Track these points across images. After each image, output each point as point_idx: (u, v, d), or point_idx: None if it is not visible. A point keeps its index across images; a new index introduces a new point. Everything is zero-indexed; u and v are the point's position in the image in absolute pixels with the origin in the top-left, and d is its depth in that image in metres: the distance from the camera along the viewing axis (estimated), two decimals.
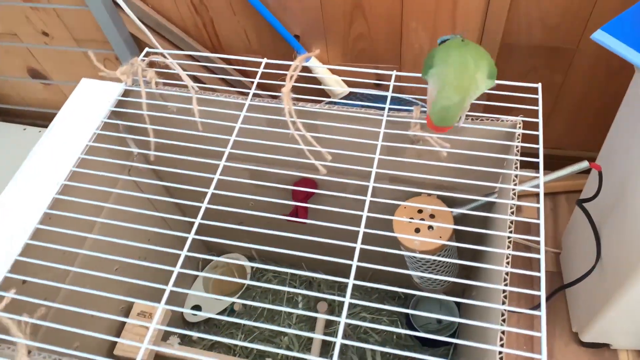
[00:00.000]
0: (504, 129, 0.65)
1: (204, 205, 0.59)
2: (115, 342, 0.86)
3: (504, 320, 0.47)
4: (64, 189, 0.65)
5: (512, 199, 0.55)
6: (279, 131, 0.65)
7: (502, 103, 0.64)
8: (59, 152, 0.69)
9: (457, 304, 1.10)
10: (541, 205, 0.53)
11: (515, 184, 0.56)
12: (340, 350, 1.11)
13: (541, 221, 0.52)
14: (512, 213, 0.53)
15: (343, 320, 0.49)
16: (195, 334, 0.52)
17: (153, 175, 0.92)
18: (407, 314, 1.11)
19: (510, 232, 0.53)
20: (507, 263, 0.50)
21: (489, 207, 0.76)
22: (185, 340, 1.16)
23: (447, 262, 0.81)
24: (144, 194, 0.87)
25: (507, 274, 0.49)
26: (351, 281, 0.52)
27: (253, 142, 0.65)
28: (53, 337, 0.64)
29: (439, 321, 1.11)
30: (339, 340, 0.48)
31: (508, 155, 0.62)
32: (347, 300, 0.51)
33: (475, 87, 0.59)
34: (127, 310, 0.91)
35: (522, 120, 0.64)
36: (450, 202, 0.76)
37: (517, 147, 0.62)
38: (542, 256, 0.49)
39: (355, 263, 0.53)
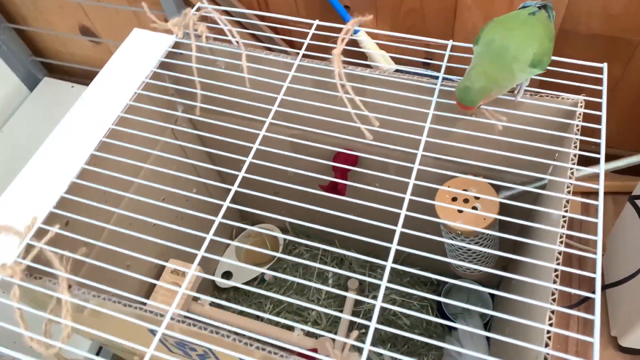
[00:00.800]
0: (564, 106, 0.61)
1: (241, 174, 0.58)
2: (149, 296, 0.88)
3: (551, 321, 0.44)
4: (103, 145, 0.66)
5: (570, 178, 0.52)
6: (327, 93, 0.63)
7: (560, 80, 0.61)
8: (106, 100, 0.70)
9: (492, 295, 1.07)
10: (601, 187, 0.50)
11: (573, 164, 0.53)
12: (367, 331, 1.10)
13: (600, 203, 0.49)
14: (569, 192, 0.50)
15: (379, 304, 0.47)
16: (224, 303, 0.51)
17: (195, 140, 0.92)
18: (439, 302, 1.09)
19: (566, 211, 0.50)
20: (561, 242, 0.47)
21: (538, 193, 0.73)
22: (214, 306, 1.18)
23: (490, 240, 0.78)
24: (187, 159, 0.87)
25: (559, 255, 0.46)
26: (389, 264, 0.50)
27: (300, 101, 0.64)
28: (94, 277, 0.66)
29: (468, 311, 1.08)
30: (373, 324, 0.46)
31: (567, 134, 0.59)
32: (383, 283, 0.48)
33: (510, 78, 0.58)
34: (160, 268, 0.93)
35: (584, 100, 0.61)
36: (498, 185, 0.73)
37: (577, 126, 0.58)
38: (599, 252, 0.45)
39: (394, 246, 0.51)
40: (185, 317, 0.50)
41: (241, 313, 1.15)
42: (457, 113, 0.60)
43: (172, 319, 0.49)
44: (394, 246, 0.50)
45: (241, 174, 0.58)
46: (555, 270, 0.46)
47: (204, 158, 0.96)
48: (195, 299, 0.92)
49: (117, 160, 0.63)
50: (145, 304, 0.52)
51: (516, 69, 0.57)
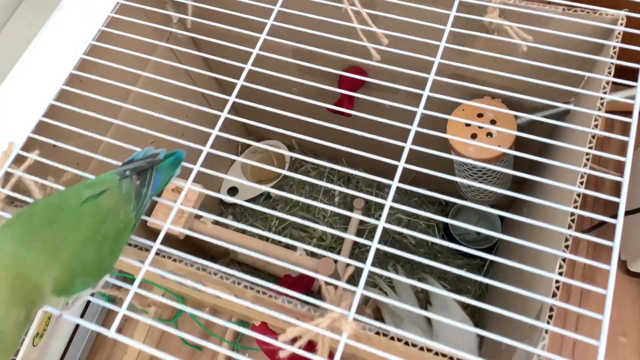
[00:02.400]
0: (601, 24, 0.53)
1: (240, 82, 0.53)
2: (149, 215, 0.86)
3: (566, 247, 0.41)
4: (84, 63, 0.59)
5: (599, 109, 0.46)
6: (330, 4, 0.56)
7: None
8: (89, 7, 0.62)
9: (501, 220, 1.05)
10: (635, 116, 0.45)
11: (605, 92, 0.47)
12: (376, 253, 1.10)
13: (634, 121, 0.44)
14: (596, 127, 0.45)
15: (381, 224, 0.44)
16: (228, 221, 0.49)
17: (192, 45, 0.86)
18: (445, 223, 1.07)
19: (590, 147, 0.45)
20: (582, 183, 0.43)
21: (561, 119, 0.67)
22: (221, 222, 1.17)
23: (501, 173, 0.74)
24: (182, 64, 0.81)
25: (578, 195, 0.43)
26: (395, 183, 0.46)
27: (300, 14, 0.57)
28: None
29: (478, 233, 1.07)
30: (374, 245, 0.44)
31: (601, 57, 0.52)
32: (388, 203, 0.45)
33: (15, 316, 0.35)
34: None
35: (626, 16, 0.53)
36: (516, 108, 0.67)
37: (613, 48, 0.51)
38: (625, 179, 0.41)
39: (402, 164, 0.47)
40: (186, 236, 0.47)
41: (246, 231, 1.15)
42: None
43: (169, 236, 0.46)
44: (401, 164, 0.47)
45: (240, 82, 0.54)
46: (578, 194, 0.42)
47: (202, 66, 0.90)
48: (199, 216, 0.91)
49: (102, 80, 0.57)
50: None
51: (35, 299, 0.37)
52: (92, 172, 0.54)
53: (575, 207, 0.42)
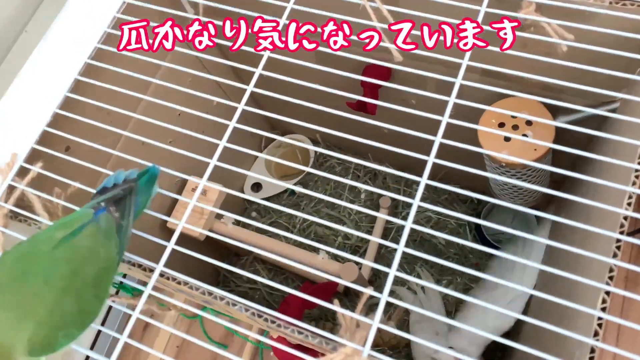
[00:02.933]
0: None
1: (258, 71, 0.50)
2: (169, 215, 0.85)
3: (610, 278, 0.36)
4: (98, 53, 0.57)
5: None
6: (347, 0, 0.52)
7: None
8: (94, 8, 0.59)
9: (538, 219, 0.98)
10: None
11: None
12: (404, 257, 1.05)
13: None
14: None
15: (408, 225, 0.41)
16: (249, 221, 0.46)
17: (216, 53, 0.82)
18: (477, 223, 1.02)
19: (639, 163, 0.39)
20: (629, 204, 0.38)
21: (603, 122, 0.61)
22: (245, 217, 1.15)
23: (536, 173, 0.68)
24: (203, 65, 0.78)
25: (625, 218, 0.37)
26: (424, 180, 0.42)
27: (315, 12, 0.52)
28: None
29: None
30: (400, 248, 0.40)
31: None
32: (415, 202, 0.41)
33: None
34: (181, 186, 0.88)
35: None
36: (554, 109, 0.62)
37: None
38: None
39: (431, 159, 0.43)
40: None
41: (270, 224, 1.13)
42: None
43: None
44: (430, 159, 0.43)
45: (258, 71, 0.50)
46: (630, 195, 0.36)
47: (227, 71, 0.87)
48: (220, 216, 0.89)
49: (116, 71, 0.54)
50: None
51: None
52: (115, 161, 0.52)
53: (622, 233, 0.37)
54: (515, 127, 0.63)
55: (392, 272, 0.40)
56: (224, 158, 0.49)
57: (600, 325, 0.36)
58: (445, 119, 0.44)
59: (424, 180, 0.43)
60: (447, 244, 1.03)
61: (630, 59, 0.44)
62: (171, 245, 0.44)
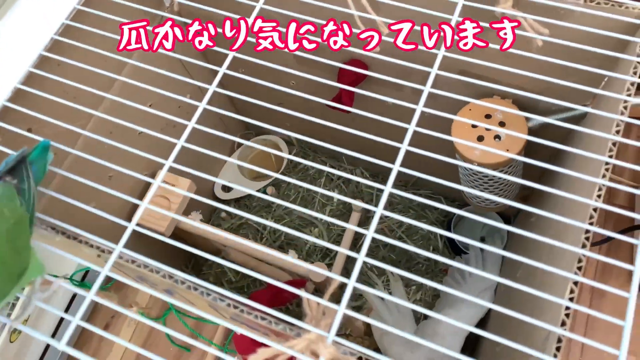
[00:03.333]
0: (627, 18, 0.48)
1: (232, 54, 0.48)
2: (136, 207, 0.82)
3: (579, 268, 0.36)
4: (66, 29, 0.55)
5: (622, 113, 0.41)
6: None
7: None
8: None
9: (507, 225, 0.99)
10: None
11: (629, 94, 0.42)
12: (371, 253, 1.05)
13: None
14: (618, 132, 0.40)
15: (370, 234, 0.40)
16: (224, 207, 0.45)
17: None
18: (448, 228, 1.02)
19: (610, 156, 0.40)
20: (599, 196, 0.38)
21: (576, 123, 0.61)
22: (215, 217, 1.13)
23: (508, 180, 0.68)
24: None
25: (595, 209, 0.37)
26: (388, 188, 0.41)
27: None
28: (68, 190, 0.59)
29: (482, 240, 1.01)
30: (361, 258, 0.39)
31: (625, 55, 0.46)
32: (379, 210, 0.41)
33: None
34: (150, 177, 0.86)
35: None
36: (528, 110, 0.62)
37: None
38: None
39: (396, 167, 0.42)
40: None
41: (240, 225, 1.11)
42: None
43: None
44: (395, 167, 0.42)
45: (232, 54, 0.49)
46: (594, 209, 0.37)
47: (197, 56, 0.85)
48: (188, 212, 0.86)
49: (81, 66, 0.53)
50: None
51: None
52: (66, 169, 0.50)
53: (591, 224, 0.37)
54: (488, 129, 0.63)
55: (351, 283, 0.38)
56: (195, 155, 0.47)
57: (567, 315, 0.35)
58: (411, 127, 0.43)
59: (387, 189, 0.42)
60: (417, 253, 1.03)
61: (605, 57, 0.45)
62: (132, 225, 0.42)
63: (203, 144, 0.46)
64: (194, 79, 0.86)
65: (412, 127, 0.43)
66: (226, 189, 1.13)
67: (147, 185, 0.86)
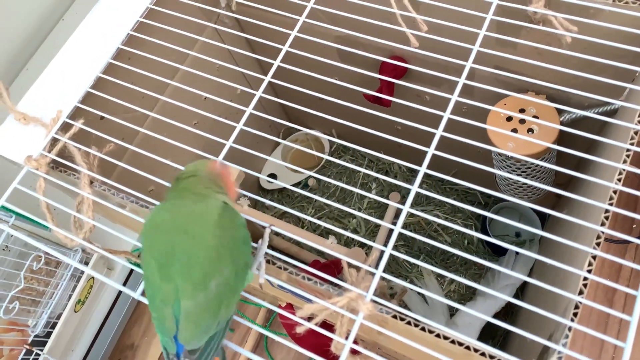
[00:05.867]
0: None
1: (277, 63, 0.54)
2: None
3: (597, 244, 0.40)
4: (140, 26, 0.62)
5: None
6: None
7: None
8: None
9: (542, 221, 1.01)
10: None
11: None
12: (407, 244, 1.09)
13: None
14: None
15: (406, 208, 0.44)
16: (266, 201, 0.50)
17: (238, 29, 0.87)
18: (483, 224, 1.05)
19: (632, 144, 0.43)
20: (619, 180, 0.41)
21: (609, 117, 0.64)
22: (259, 206, 1.20)
23: (541, 169, 0.71)
24: (227, 45, 0.83)
25: (615, 192, 0.41)
26: (422, 169, 0.46)
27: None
28: (127, 179, 0.65)
29: (518, 235, 1.03)
30: (397, 229, 0.44)
31: None
32: (414, 188, 0.45)
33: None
34: None
35: None
36: (561, 104, 0.65)
37: None
38: None
39: (431, 151, 0.47)
40: None
41: (283, 214, 1.17)
42: None
43: None
44: (430, 150, 0.46)
45: (276, 63, 0.54)
46: (614, 191, 0.40)
47: (245, 48, 0.92)
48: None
49: (150, 57, 0.59)
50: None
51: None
52: (137, 145, 0.56)
53: (611, 204, 0.41)
54: (522, 122, 0.66)
55: (388, 250, 0.42)
56: (241, 146, 0.52)
57: (585, 285, 0.39)
58: (446, 115, 0.47)
59: (422, 169, 0.46)
60: (453, 243, 1.06)
61: (636, 53, 0.48)
62: None
63: (249, 140, 0.51)
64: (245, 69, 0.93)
65: (446, 115, 0.48)
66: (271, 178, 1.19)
67: None
